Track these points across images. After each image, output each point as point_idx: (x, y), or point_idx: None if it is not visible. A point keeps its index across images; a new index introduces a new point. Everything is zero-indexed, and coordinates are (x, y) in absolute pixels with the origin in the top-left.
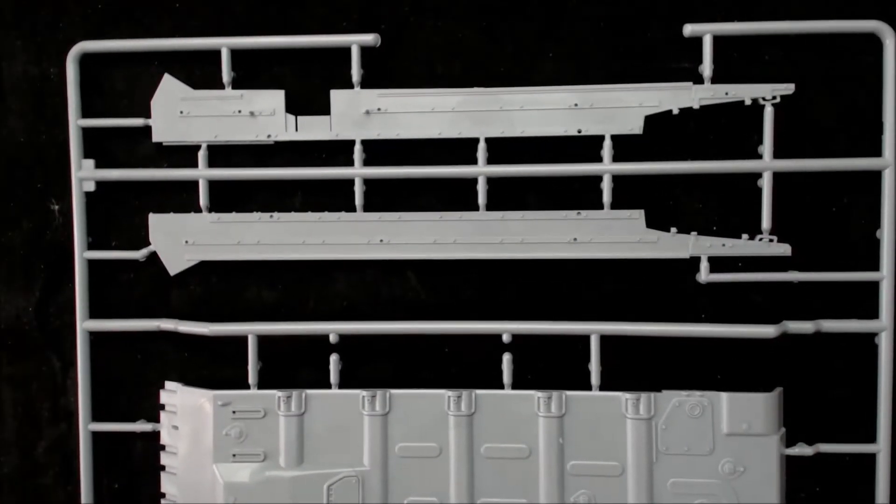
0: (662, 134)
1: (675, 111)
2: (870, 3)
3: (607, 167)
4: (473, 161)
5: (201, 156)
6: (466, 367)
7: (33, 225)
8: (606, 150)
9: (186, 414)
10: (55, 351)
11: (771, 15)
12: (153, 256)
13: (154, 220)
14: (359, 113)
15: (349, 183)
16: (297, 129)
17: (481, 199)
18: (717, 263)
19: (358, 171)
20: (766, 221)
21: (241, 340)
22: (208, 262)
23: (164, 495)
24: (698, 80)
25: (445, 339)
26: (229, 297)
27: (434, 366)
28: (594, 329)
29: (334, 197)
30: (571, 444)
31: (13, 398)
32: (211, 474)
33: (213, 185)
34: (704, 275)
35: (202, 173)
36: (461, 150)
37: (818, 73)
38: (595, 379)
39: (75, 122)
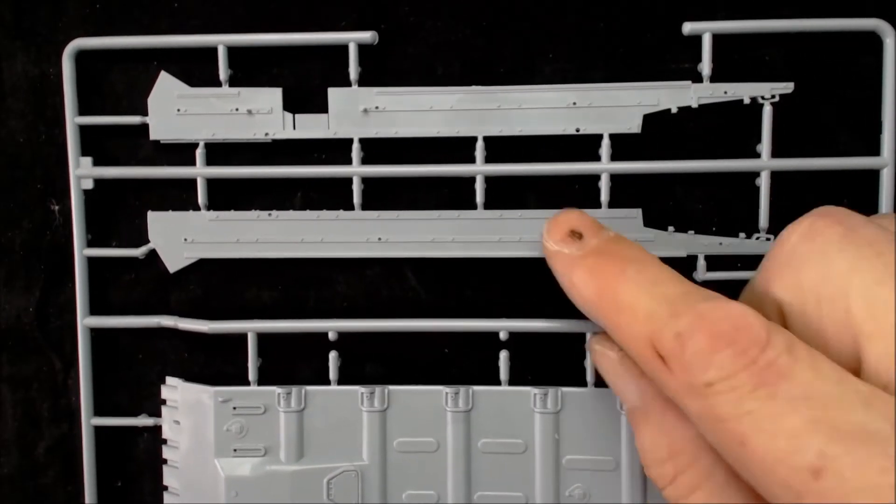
0: (661, 133)
1: (674, 110)
2: (870, 2)
3: (605, 166)
4: (472, 160)
5: (199, 154)
6: (464, 364)
7: (33, 225)
8: (604, 148)
9: (187, 409)
10: (56, 351)
11: (771, 13)
12: (153, 254)
13: (153, 217)
14: (357, 111)
15: (347, 181)
16: (294, 128)
17: (479, 197)
18: (715, 262)
19: (356, 170)
20: (763, 220)
21: (241, 337)
22: (208, 259)
23: (166, 488)
24: (698, 79)
25: (444, 337)
26: (229, 294)
27: (432, 363)
28: (591, 327)
29: (333, 195)
30: (567, 439)
31: (13, 398)
32: (212, 468)
33: (212, 182)
34: (701, 273)
35: (200, 171)
36: (459, 148)
37: (817, 71)
38: (590, 376)
39: (72, 120)
